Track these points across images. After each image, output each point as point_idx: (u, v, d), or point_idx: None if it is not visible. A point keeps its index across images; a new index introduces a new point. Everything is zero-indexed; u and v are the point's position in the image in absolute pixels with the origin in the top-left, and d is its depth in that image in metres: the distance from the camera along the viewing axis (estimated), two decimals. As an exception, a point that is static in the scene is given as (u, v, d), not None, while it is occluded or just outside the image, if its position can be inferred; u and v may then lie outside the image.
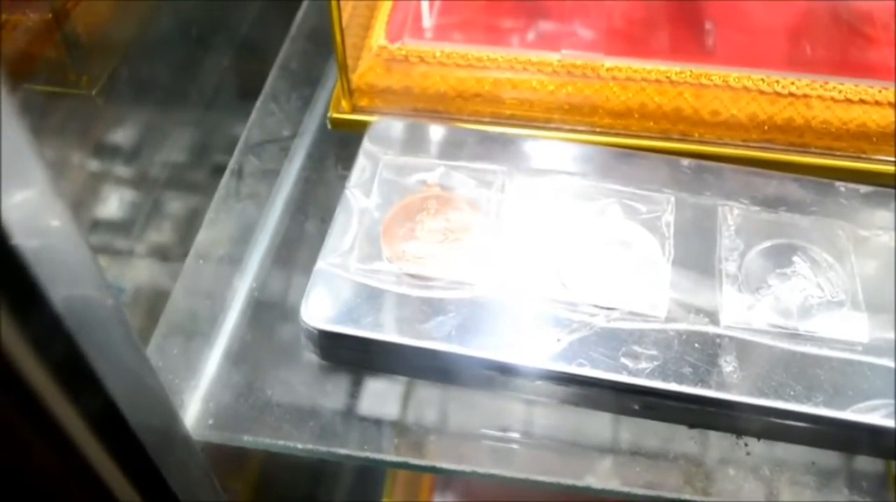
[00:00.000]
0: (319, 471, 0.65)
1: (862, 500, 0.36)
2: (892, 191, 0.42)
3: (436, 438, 0.37)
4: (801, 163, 0.44)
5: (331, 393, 0.38)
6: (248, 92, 0.48)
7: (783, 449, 0.37)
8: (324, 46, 0.50)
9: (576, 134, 0.45)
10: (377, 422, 0.37)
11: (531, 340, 0.36)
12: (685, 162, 0.42)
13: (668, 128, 0.44)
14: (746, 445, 0.37)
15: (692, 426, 0.37)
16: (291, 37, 0.52)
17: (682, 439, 0.37)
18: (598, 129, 0.45)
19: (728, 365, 0.36)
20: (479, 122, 0.45)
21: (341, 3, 0.43)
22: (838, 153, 0.44)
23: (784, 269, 0.39)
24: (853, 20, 0.46)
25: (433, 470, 0.36)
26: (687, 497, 0.35)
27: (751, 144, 0.45)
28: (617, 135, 0.45)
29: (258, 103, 0.48)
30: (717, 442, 0.37)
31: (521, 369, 0.36)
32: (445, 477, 0.67)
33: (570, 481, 0.37)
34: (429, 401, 0.38)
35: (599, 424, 0.38)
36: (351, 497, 0.66)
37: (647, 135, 0.45)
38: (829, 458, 0.38)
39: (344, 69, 0.43)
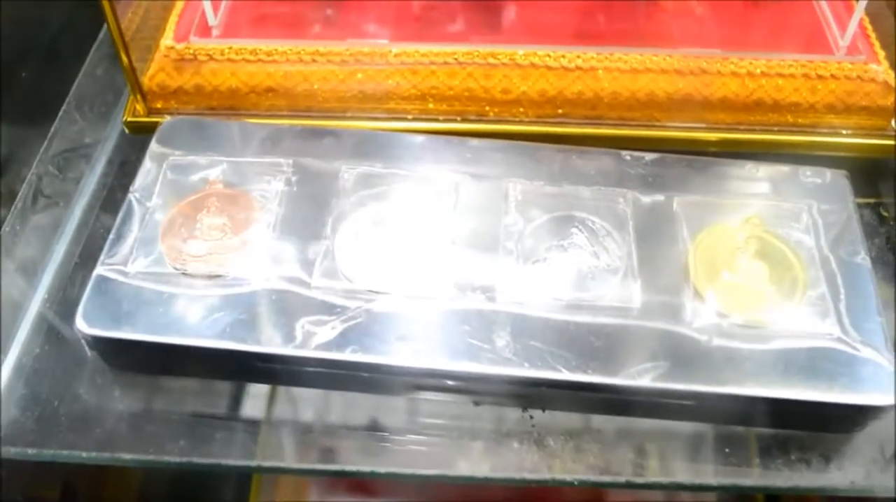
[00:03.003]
0: (171, 480, 0.65)
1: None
2: (677, 156, 0.42)
3: (222, 435, 0.37)
4: (597, 135, 0.45)
5: (118, 400, 0.38)
6: (53, 101, 0.48)
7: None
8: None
9: (374, 121, 0.45)
10: (163, 424, 0.37)
11: (307, 330, 0.36)
12: (474, 142, 0.43)
13: (463, 110, 0.45)
14: (532, 417, 0.38)
15: (477, 403, 0.38)
16: (98, 43, 0.51)
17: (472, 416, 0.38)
18: (395, 115, 0.45)
19: (501, 339, 0.36)
20: (276, 117, 0.45)
21: (133, 5, 0.43)
22: (632, 122, 0.45)
23: (562, 241, 0.39)
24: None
25: (218, 467, 0.36)
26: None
27: (547, 120, 0.45)
28: (415, 119, 0.45)
29: (61, 112, 0.48)
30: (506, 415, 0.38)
31: (296, 359, 0.36)
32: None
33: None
34: (212, 398, 0.38)
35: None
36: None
37: (445, 118, 0.45)
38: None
39: (130, 72, 0.43)
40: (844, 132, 0.45)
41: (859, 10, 0.43)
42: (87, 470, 0.54)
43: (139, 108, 0.45)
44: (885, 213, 0.45)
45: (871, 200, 0.46)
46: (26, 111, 0.50)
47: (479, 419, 0.38)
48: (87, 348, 0.37)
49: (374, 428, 0.38)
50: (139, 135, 0.45)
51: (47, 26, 0.52)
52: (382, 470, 0.36)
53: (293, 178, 0.41)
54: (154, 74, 0.44)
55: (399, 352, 0.36)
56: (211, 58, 0.44)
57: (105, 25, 0.49)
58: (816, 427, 0.38)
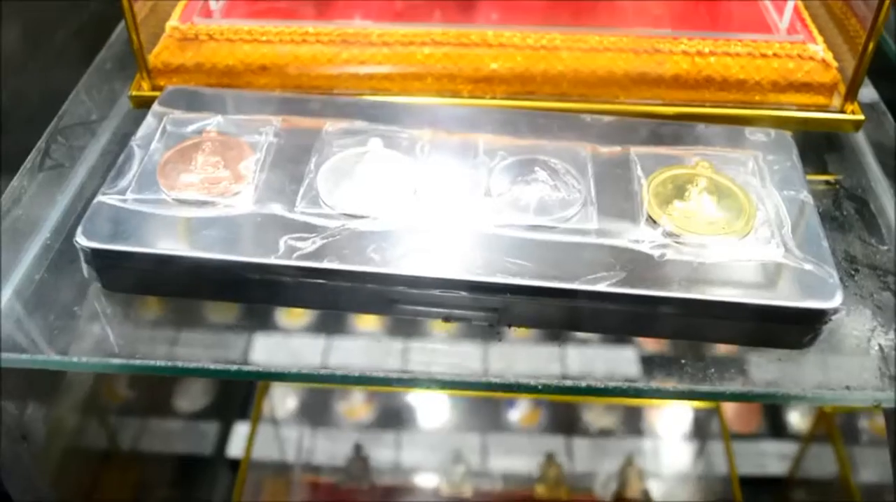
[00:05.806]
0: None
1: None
2: (634, 118, 0.46)
3: (208, 341, 0.39)
4: (562, 110, 0.49)
5: (111, 313, 0.40)
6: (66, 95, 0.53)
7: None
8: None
9: (359, 98, 0.49)
10: (151, 333, 0.40)
11: (289, 245, 0.39)
12: (448, 108, 0.47)
13: (440, 87, 0.49)
14: (499, 333, 0.40)
15: (447, 319, 0.40)
16: (110, 44, 0.56)
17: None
18: (377, 92, 0.49)
19: (469, 253, 0.39)
20: (269, 94, 0.49)
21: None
22: (594, 99, 0.49)
23: (526, 177, 0.42)
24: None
25: (203, 371, 0.39)
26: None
27: (516, 97, 0.49)
28: (398, 94, 0.49)
29: (70, 96, 0.52)
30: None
31: (278, 269, 0.38)
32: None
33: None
34: (199, 310, 0.41)
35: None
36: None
37: (423, 93, 0.49)
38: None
39: (139, 49, 0.48)
40: (791, 108, 0.49)
41: (792, -5, 0.49)
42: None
43: (144, 84, 0.49)
44: (832, 182, 0.49)
45: (821, 177, 0.50)
46: (40, 105, 0.54)
47: (448, 332, 0.40)
48: (84, 265, 0.40)
49: (349, 338, 0.40)
50: (143, 111, 0.49)
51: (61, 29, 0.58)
52: (356, 373, 0.39)
53: (281, 131, 0.45)
54: (159, 52, 0.49)
55: (373, 260, 0.38)
56: (211, 37, 0.49)
57: (116, 29, 0.55)
58: (768, 340, 0.40)
